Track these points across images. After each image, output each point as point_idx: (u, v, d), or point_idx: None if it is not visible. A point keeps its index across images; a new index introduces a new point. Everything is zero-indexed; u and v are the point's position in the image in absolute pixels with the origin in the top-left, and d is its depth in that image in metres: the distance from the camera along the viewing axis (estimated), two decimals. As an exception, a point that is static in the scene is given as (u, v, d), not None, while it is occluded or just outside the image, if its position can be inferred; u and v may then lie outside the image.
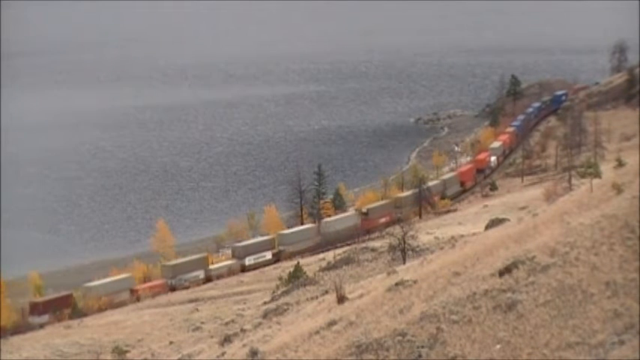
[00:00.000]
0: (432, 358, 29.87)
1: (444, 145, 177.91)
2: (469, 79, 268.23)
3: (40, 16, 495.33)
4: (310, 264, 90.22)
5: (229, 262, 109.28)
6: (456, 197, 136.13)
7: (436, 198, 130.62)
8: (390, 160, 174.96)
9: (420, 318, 32.09)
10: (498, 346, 28.63)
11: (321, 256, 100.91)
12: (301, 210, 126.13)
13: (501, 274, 32.49)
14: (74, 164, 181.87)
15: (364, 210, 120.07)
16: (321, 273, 76.48)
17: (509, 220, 57.99)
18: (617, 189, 35.95)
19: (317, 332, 36.20)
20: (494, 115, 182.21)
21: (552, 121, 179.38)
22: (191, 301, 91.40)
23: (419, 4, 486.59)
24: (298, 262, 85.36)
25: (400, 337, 31.52)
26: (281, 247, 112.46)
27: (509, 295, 30.85)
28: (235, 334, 52.81)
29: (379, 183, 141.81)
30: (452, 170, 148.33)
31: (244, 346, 42.55)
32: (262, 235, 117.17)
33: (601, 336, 26.75)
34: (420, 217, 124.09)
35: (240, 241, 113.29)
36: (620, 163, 42.96)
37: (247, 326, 56.96)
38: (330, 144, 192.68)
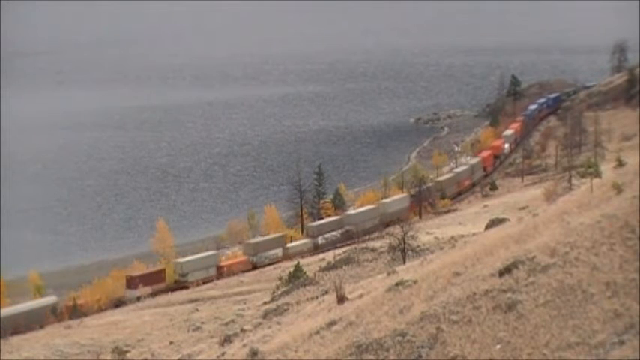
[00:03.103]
0: (432, 358, 29.90)
1: (444, 145, 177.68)
2: (468, 80, 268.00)
3: (40, 16, 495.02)
4: (310, 264, 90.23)
5: (304, 240, 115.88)
6: (480, 181, 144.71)
7: (466, 182, 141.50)
8: (390, 160, 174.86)
9: (420, 318, 32.12)
10: (498, 346, 28.66)
11: (321, 256, 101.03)
12: (301, 210, 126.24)
13: (501, 274, 32.53)
14: (74, 164, 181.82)
15: (413, 193, 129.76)
16: (321, 273, 76.49)
17: (509, 220, 58.02)
18: (617, 189, 35.98)
19: (317, 332, 36.23)
20: (494, 115, 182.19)
21: (552, 121, 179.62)
22: (191, 301, 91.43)
23: (419, 4, 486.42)
24: (298, 262, 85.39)
25: (400, 337, 31.56)
26: (347, 227, 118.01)
27: (509, 295, 30.88)
28: (235, 334, 52.81)
29: (379, 183, 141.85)
30: (474, 158, 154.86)
31: (244, 346, 42.56)
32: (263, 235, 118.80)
33: (601, 336, 26.79)
34: (420, 217, 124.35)
35: (313, 222, 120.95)
36: (620, 163, 43.02)
37: (247, 326, 57.02)
38: (330, 144, 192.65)
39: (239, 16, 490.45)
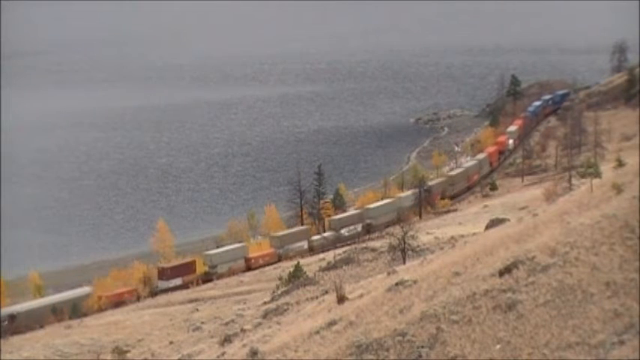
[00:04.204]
0: (432, 358, 29.90)
1: (444, 145, 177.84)
2: (467, 80, 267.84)
3: (40, 16, 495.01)
4: (310, 264, 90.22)
5: (327, 233, 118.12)
6: (487, 176, 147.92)
7: (475, 177, 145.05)
8: (390, 160, 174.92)
9: (420, 318, 32.13)
10: (498, 346, 28.67)
11: (322, 255, 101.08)
12: (301, 210, 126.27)
13: (501, 274, 32.53)
14: (74, 164, 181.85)
15: (426, 187, 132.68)
16: (321, 273, 76.44)
17: (509, 220, 58.01)
18: (617, 189, 35.99)
19: (317, 332, 36.24)
20: (494, 115, 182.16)
21: (552, 121, 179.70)
22: (191, 301, 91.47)
23: (418, 4, 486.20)
24: (298, 262, 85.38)
25: (400, 337, 31.56)
26: (368, 220, 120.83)
27: (509, 295, 30.88)
28: (235, 334, 52.87)
29: (379, 183, 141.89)
30: (480, 153, 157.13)
31: (244, 346, 42.59)
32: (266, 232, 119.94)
33: (601, 336, 26.80)
34: (420, 217, 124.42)
35: (336, 215, 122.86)
36: (620, 163, 42.99)
37: (247, 326, 57.02)
38: (330, 144, 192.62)
39: (239, 16, 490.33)
